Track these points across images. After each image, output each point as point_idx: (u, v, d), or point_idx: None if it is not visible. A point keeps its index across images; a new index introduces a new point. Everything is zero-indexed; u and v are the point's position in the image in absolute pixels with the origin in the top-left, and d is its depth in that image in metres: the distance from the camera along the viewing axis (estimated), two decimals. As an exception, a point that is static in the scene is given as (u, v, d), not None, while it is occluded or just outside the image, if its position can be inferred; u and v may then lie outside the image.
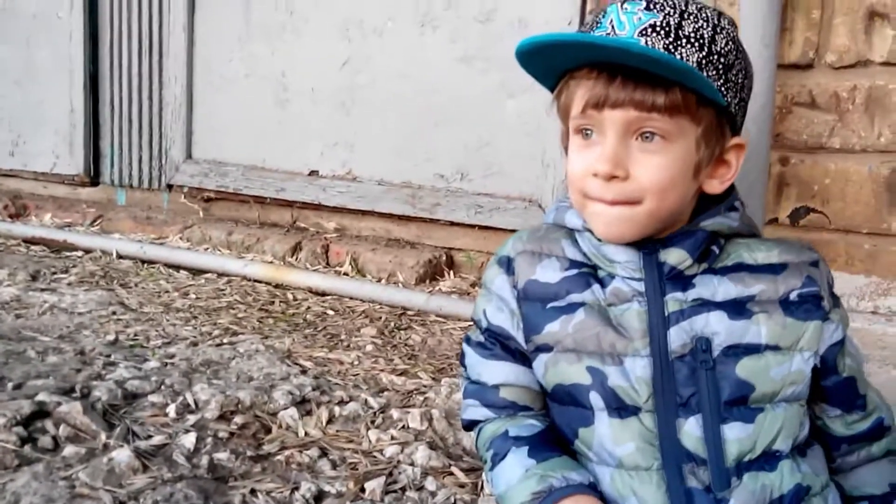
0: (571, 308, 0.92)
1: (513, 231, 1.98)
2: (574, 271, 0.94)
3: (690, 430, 0.85)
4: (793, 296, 0.92)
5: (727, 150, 0.94)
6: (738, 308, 0.90)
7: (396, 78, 2.10)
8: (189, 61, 2.37)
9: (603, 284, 0.92)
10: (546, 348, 0.93)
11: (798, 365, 0.89)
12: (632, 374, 0.87)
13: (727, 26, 0.91)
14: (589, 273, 0.94)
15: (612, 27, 0.87)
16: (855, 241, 1.48)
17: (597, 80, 0.87)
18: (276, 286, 2.00)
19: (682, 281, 0.91)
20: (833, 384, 0.94)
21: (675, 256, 0.90)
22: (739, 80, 0.92)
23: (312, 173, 2.24)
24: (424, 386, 1.42)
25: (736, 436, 0.85)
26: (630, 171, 0.88)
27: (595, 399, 0.88)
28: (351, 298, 1.94)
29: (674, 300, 0.89)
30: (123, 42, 2.49)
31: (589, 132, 0.91)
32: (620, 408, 0.87)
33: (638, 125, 0.87)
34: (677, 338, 0.88)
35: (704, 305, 0.89)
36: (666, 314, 0.89)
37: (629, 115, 0.87)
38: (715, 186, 0.93)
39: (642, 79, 0.85)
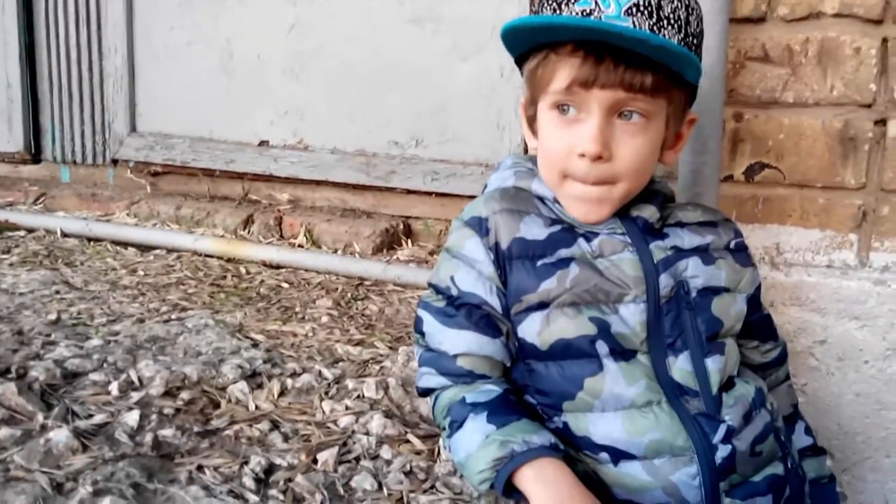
0: (564, 263, 0.94)
1: (471, 197, 1.95)
2: (558, 227, 0.97)
3: (681, 366, 0.93)
4: (732, 245, 1.05)
5: (683, 124, 1.02)
6: (705, 254, 1.00)
7: (345, 42, 2.03)
8: (129, 30, 2.27)
9: (587, 239, 0.96)
10: (541, 306, 0.94)
11: (740, 304, 1.02)
12: (630, 319, 0.93)
13: (695, 6, 0.95)
14: (570, 228, 0.97)
15: (597, 3, 0.88)
16: (809, 196, 1.47)
17: (584, 60, 0.89)
18: (229, 260, 1.94)
19: (656, 233, 0.99)
20: (756, 319, 1.08)
21: (648, 212, 0.98)
22: (700, 57, 0.97)
23: (262, 143, 2.17)
24: (381, 355, 1.39)
25: (716, 367, 0.94)
26: (612, 152, 0.92)
27: (601, 347, 0.92)
28: (306, 270, 1.89)
29: (657, 248, 0.97)
30: (59, 11, 2.37)
31: (567, 108, 0.93)
32: (624, 352, 0.92)
33: (623, 105, 0.91)
34: (665, 283, 0.95)
35: (681, 252, 0.98)
36: (655, 261, 0.95)
37: (617, 96, 0.90)
38: (670, 157, 1.04)
39: (628, 59, 0.88)
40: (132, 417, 1.04)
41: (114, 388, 1.13)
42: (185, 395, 1.13)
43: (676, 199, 1.13)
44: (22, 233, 2.14)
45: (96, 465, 0.93)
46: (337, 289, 1.77)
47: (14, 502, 0.85)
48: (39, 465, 0.92)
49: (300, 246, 1.98)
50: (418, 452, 1.07)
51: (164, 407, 1.09)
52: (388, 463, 1.03)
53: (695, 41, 0.93)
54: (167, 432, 1.03)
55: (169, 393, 1.14)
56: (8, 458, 0.93)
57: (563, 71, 0.90)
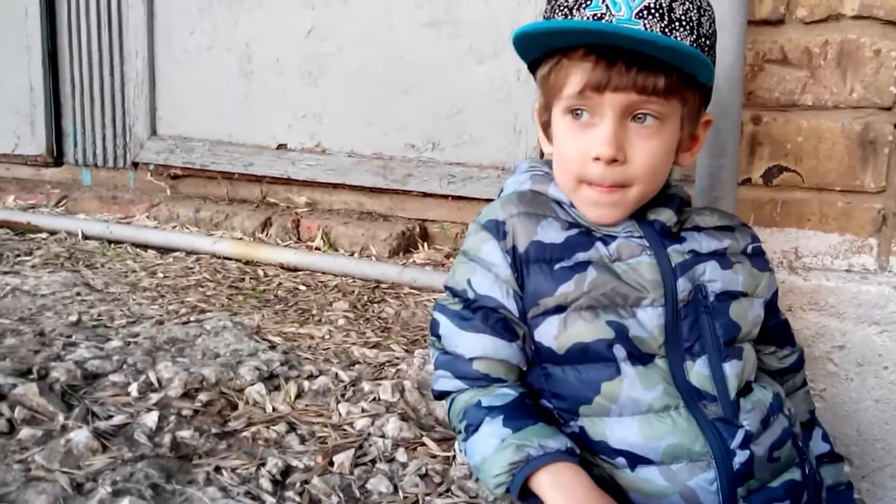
0: (581, 267, 0.94)
1: (487, 200, 1.95)
2: (575, 231, 0.97)
3: (699, 370, 0.93)
4: (749, 249, 1.04)
5: (699, 126, 1.01)
6: (723, 259, 0.99)
7: (362, 45, 2.04)
8: (150, 34, 2.30)
9: (605, 242, 0.96)
10: (558, 309, 0.93)
11: (758, 309, 1.01)
12: (648, 323, 0.92)
13: (708, 7, 0.94)
14: (587, 232, 0.97)
15: (608, 7, 0.88)
16: (828, 199, 1.46)
17: (596, 64, 0.89)
18: (247, 263, 1.95)
19: (673, 237, 0.98)
20: (774, 325, 1.08)
21: (665, 215, 0.98)
22: (714, 59, 0.97)
23: (281, 147, 2.19)
24: (397, 358, 1.40)
25: (734, 372, 0.94)
26: (626, 155, 0.91)
27: (619, 351, 0.91)
28: (323, 273, 1.90)
29: (675, 252, 0.96)
30: (81, 16, 2.41)
31: (580, 113, 0.93)
32: (641, 356, 0.92)
33: (636, 108, 0.91)
34: (683, 286, 0.94)
35: (699, 256, 0.97)
36: (673, 265, 0.95)
37: (630, 99, 0.90)
38: (686, 159, 1.04)
39: (640, 62, 0.87)
40: (151, 418, 1.06)
41: (133, 389, 1.14)
42: (203, 396, 1.14)
43: (694, 202, 1.12)
44: (44, 235, 2.17)
45: (115, 466, 0.94)
46: (353, 291, 1.78)
47: (35, 502, 0.86)
48: (60, 465, 0.93)
49: (317, 249, 2.00)
50: (434, 456, 1.07)
51: (183, 408, 1.10)
52: (404, 466, 1.03)
53: (707, 42, 0.93)
54: (185, 433, 1.04)
55: (187, 394, 1.15)
56: (29, 457, 0.94)
57: (576, 75, 0.90)
